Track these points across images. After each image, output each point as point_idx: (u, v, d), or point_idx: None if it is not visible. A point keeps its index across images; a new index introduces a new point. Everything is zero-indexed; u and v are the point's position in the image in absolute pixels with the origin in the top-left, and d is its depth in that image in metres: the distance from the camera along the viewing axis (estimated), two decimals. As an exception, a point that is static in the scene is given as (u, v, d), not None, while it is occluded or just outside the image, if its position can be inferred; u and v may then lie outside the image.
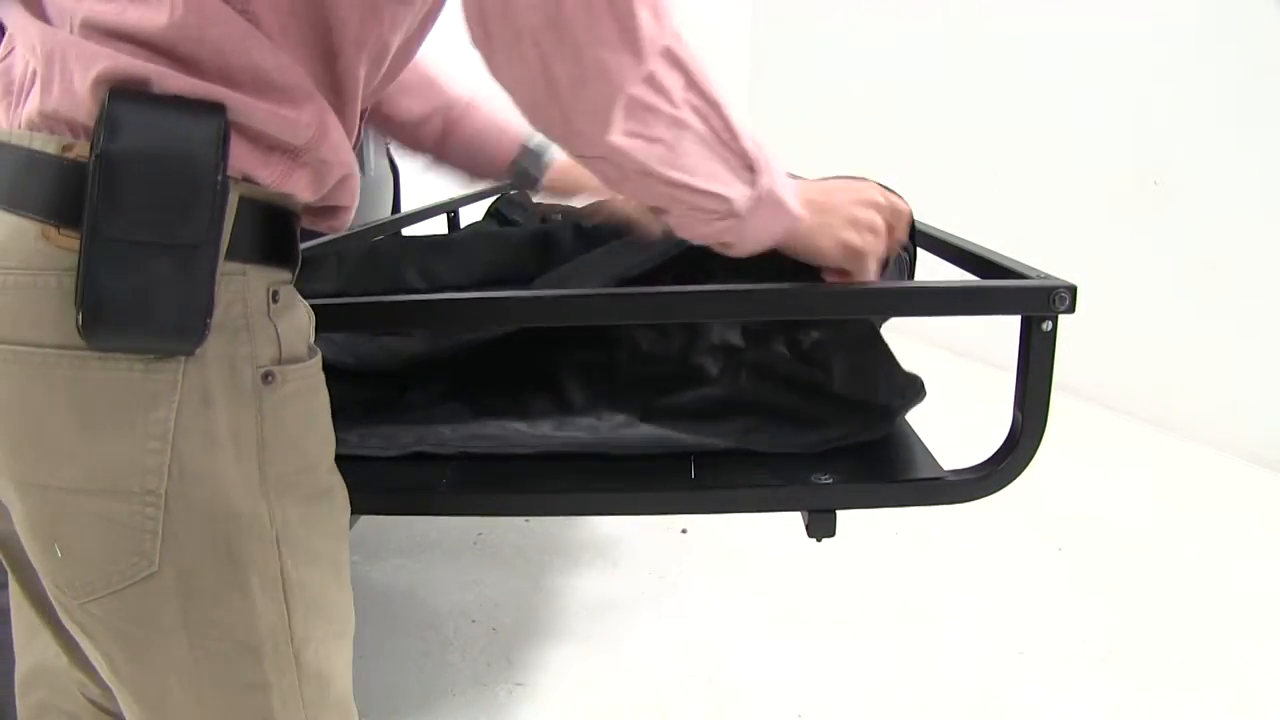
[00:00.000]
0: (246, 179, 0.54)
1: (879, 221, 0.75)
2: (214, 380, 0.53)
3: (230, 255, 0.53)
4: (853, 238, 0.73)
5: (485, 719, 1.49)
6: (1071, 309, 0.75)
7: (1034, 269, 0.81)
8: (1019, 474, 0.83)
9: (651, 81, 0.55)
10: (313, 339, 0.63)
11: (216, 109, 0.50)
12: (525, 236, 1.21)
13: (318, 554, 0.61)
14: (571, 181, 1.05)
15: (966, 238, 1.02)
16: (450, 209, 1.91)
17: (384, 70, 0.64)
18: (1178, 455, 2.57)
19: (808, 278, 0.81)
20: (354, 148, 0.64)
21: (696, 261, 1.05)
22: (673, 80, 0.56)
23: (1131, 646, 1.66)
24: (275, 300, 0.57)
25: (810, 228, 0.71)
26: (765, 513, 0.93)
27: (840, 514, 0.87)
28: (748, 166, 0.62)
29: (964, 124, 3.44)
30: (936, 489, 0.85)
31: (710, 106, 0.59)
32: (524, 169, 1.02)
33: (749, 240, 0.68)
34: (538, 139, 1.00)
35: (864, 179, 0.80)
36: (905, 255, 0.97)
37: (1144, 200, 2.76)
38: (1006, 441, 0.82)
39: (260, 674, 0.58)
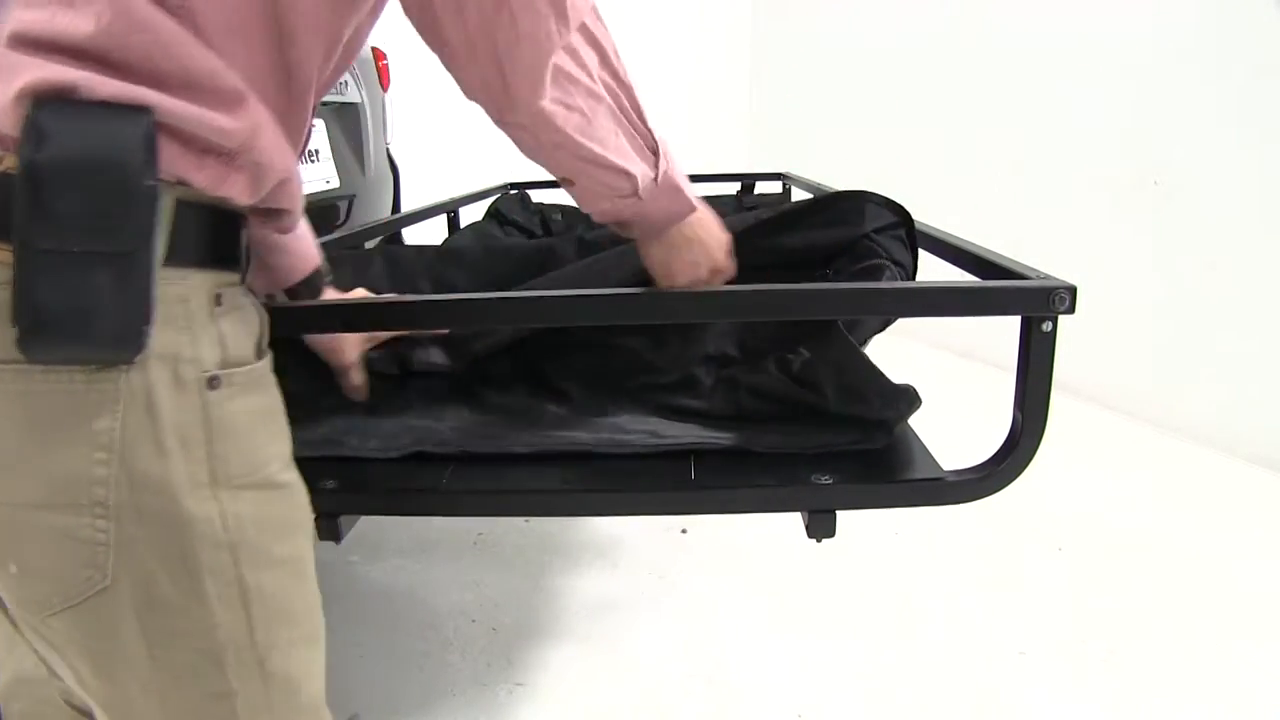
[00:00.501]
0: (181, 182, 0.53)
1: (716, 269, 0.82)
2: (157, 386, 0.53)
3: (170, 260, 0.53)
4: (703, 274, 0.80)
5: (485, 719, 1.49)
6: (1071, 309, 0.75)
7: (1034, 269, 0.82)
8: (1019, 474, 0.83)
9: (573, 53, 0.59)
10: (265, 339, 0.63)
11: (143, 112, 0.49)
12: (531, 249, 1.23)
13: (277, 558, 0.60)
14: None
15: (966, 238, 1.02)
16: (450, 209, 1.91)
17: (334, 62, 0.64)
18: (1178, 455, 2.57)
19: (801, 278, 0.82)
20: (304, 139, 0.65)
21: None
22: (589, 56, 0.60)
23: (1132, 646, 1.66)
24: (219, 303, 0.56)
25: (696, 226, 0.77)
26: (765, 513, 0.93)
27: (840, 514, 0.87)
28: (651, 149, 0.67)
29: (964, 124, 3.44)
30: (936, 489, 0.85)
31: (620, 86, 0.63)
32: (313, 282, 0.95)
33: (646, 221, 0.73)
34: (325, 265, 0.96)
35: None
36: (900, 269, 0.98)
37: (1144, 200, 2.76)
38: (1006, 441, 0.82)
39: (224, 682, 0.58)
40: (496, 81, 0.59)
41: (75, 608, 0.54)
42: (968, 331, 3.34)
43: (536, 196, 2.04)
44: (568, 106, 0.60)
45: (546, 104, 0.59)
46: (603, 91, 0.62)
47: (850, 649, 1.66)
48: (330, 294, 0.95)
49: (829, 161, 3.89)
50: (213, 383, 0.55)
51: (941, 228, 1.11)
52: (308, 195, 1.63)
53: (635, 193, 0.68)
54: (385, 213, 1.92)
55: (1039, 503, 2.16)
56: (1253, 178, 2.44)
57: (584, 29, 0.60)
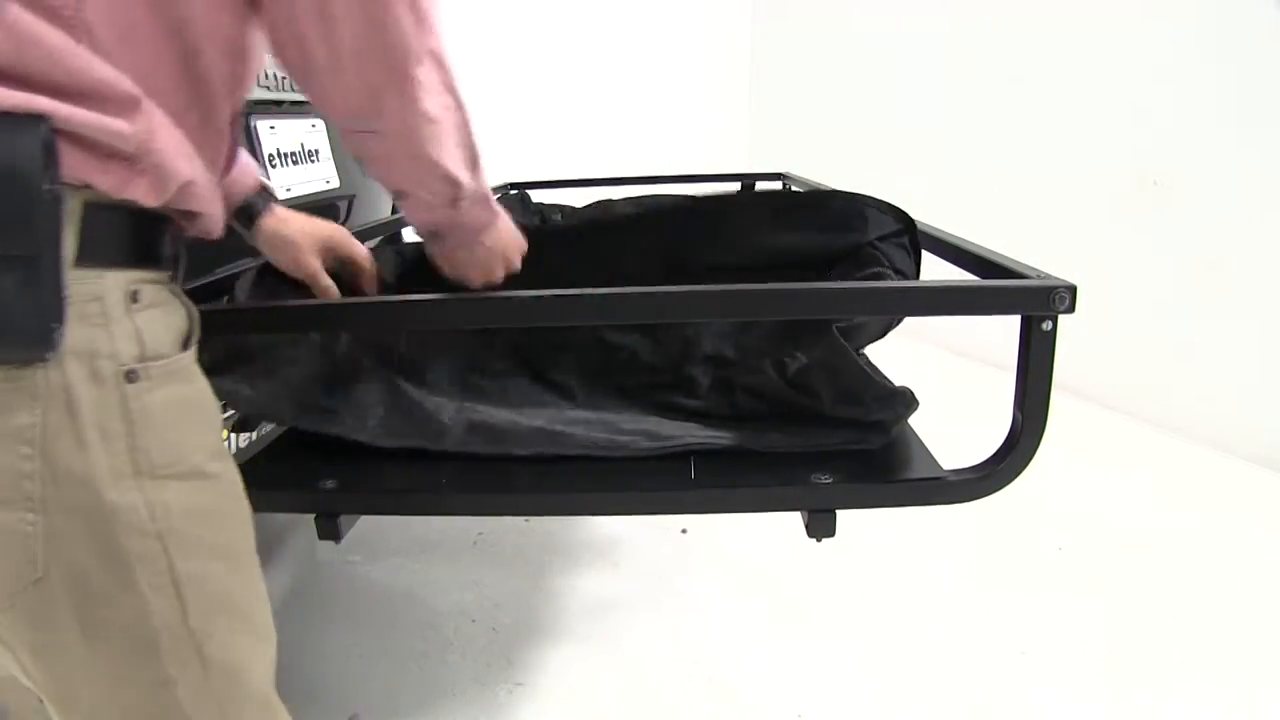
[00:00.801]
0: (88, 186, 0.55)
1: (516, 260, 0.90)
2: (75, 382, 0.54)
3: (82, 259, 0.55)
4: (502, 271, 0.89)
5: (485, 719, 1.49)
6: (1071, 309, 0.75)
7: (1034, 269, 0.82)
8: (1019, 474, 0.83)
9: (432, 66, 0.62)
10: (192, 334, 0.64)
11: (40, 120, 0.51)
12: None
13: (210, 546, 0.62)
14: (281, 238, 0.99)
15: (967, 238, 1.02)
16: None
17: (249, 65, 0.66)
18: (1178, 455, 2.57)
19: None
20: (229, 151, 0.69)
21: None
22: (442, 74, 0.64)
23: (1132, 646, 1.66)
24: (135, 300, 0.58)
25: (498, 234, 0.84)
26: (765, 513, 0.93)
27: (840, 514, 0.87)
28: (474, 162, 0.72)
29: (964, 124, 3.44)
30: (936, 489, 0.85)
31: (459, 104, 0.67)
32: (253, 204, 0.97)
33: (461, 230, 0.79)
34: (269, 189, 1.00)
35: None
36: (902, 277, 0.98)
37: (1144, 200, 2.76)
38: (1006, 441, 0.82)
39: (161, 670, 0.59)
40: (363, 94, 0.61)
41: (15, 601, 0.56)
42: (968, 331, 3.34)
43: (536, 196, 2.04)
44: (429, 119, 0.64)
45: (416, 114, 0.63)
46: (452, 106, 0.66)
47: (850, 649, 1.66)
48: (282, 221, 0.97)
49: (829, 161, 3.89)
50: (130, 376, 0.57)
51: (941, 227, 1.11)
52: (308, 195, 1.64)
53: (458, 202, 0.74)
54: (385, 213, 1.92)
55: (1039, 503, 2.16)
56: (1253, 178, 2.44)
57: (436, 49, 0.64)
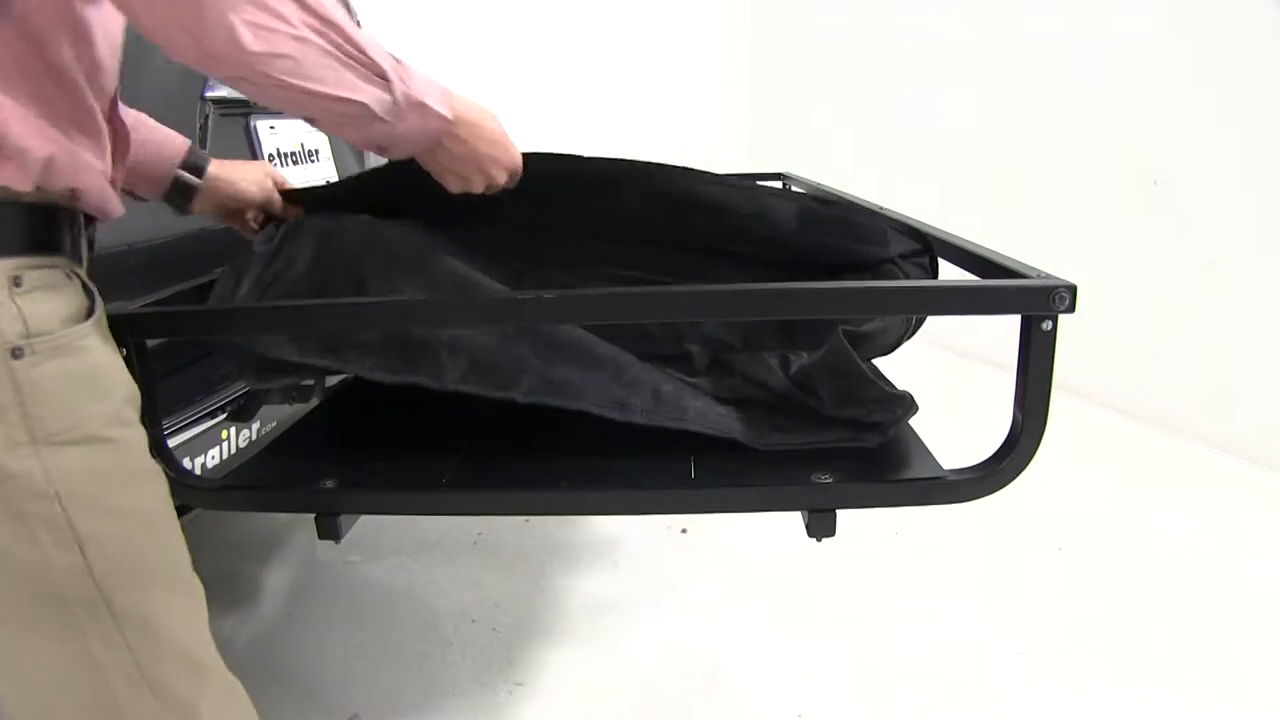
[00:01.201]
0: None
1: (501, 175, 0.89)
2: None
3: None
4: (480, 180, 0.87)
5: (485, 719, 1.49)
6: (1071, 309, 0.75)
7: (1034, 269, 0.82)
8: (1019, 474, 0.83)
9: (265, 8, 0.63)
10: (83, 311, 0.68)
11: None
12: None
13: (113, 507, 0.66)
14: (223, 198, 1.07)
15: (967, 238, 1.02)
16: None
17: (99, 48, 0.68)
18: (1178, 455, 2.57)
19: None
20: (119, 135, 0.73)
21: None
22: (286, 6, 0.64)
23: (1132, 646, 1.66)
24: (18, 285, 0.63)
25: (463, 140, 0.82)
26: (765, 513, 0.93)
27: (840, 514, 0.87)
28: (379, 74, 0.71)
29: (964, 124, 3.44)
30: (936, 489, 0.85)
31: (327, 25, 0.67)
32: (184, 184, 1.03)
33: (403, 142, 0.78)
34: (197, 153, 1.05)
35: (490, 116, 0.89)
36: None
37: (1144, 200, 2.76)
38: (1006, 441, 0.82)
39: (71, 619, 0.65)
40: (194, 47, 0.63)
41: None
42: (968, 331, 3.34)
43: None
44: (275, 55, 0.64)
45: (249, 55, 0.63)
46: (308, 35, 0.66)
47: (850, 649, 1.66)
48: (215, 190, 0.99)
49: (829, 161, 3.90)
50: (16, 353, 0.61)
51: (942, 227, 1.11)
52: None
53: (377, 117, 0.73)
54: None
55: (1039, 503, 2.16)
56: (1252, 178, 2.44)
57: None
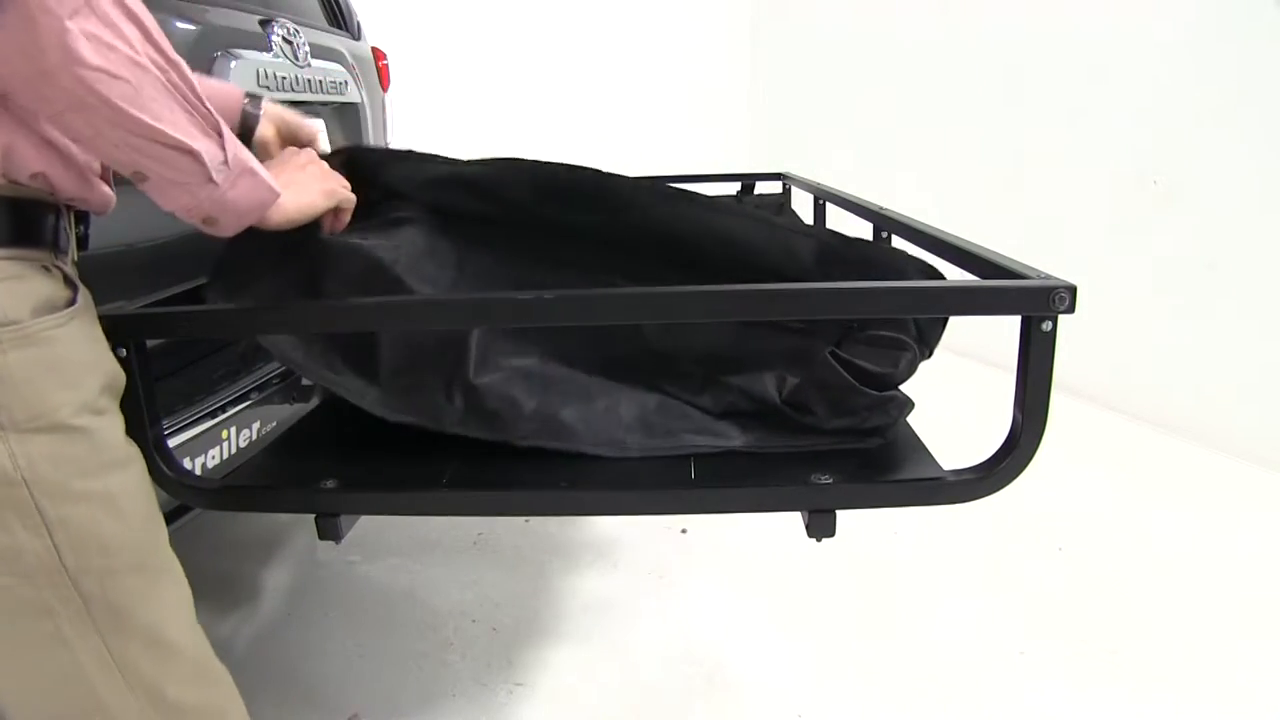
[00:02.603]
0: None
1: (339, 189, 0.90)
2: None
3: None
4: (326, 202, 0.87)
5: (485, 719, 1.49)
6: (1071, 309, 0.75)
7: (1034, 269, 0.81)
8: (1019, 474, 0.83)
9: (108, 24, 0.60)
10: (55, 301, 0.69)
11: None
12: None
13: (81, 492, 0.68)
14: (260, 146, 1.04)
15: (967, 238, 1.01)
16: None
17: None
18: (1178, 455, 2.58)
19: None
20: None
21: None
22: (129, 29, 0.61)
23: (1132, 646, 1.66)
24: None
25: (289, 202, 0.80)
26: (765, 513, 0.93)
27: (840, 514, 0.87)
28: (214, 128, 0.68)
29: (964, 124, 3.44)
30: (936, 489, 0.85)
31: (170, 64, 0.65)
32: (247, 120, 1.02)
33: (231, 214, 0.73)
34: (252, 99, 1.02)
35: (298, 151, 0.90)
36: (925, 350, 0.95)
37: (1144, 200, 2.76)
38: (1006, 441, 0.82)
39: (41, 599, 0.67)
40: (25, 62, 0.59)
41: None
42: (968, 331, 3.33)
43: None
44: (111, 75, 0.60)
45: (86, 67, 0.59)
46: (148, 64, 0.63)
47: (850, 649, 1.66)
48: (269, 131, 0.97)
49: (829, 161, 3.90)
50: None
51: (942, 228, 1.11)
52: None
53: (210, 178, 0.69)
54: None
55: (1039, 503, 2.16)
56: (1253, 178, 2.44)
57: (119, 3, 0.61)
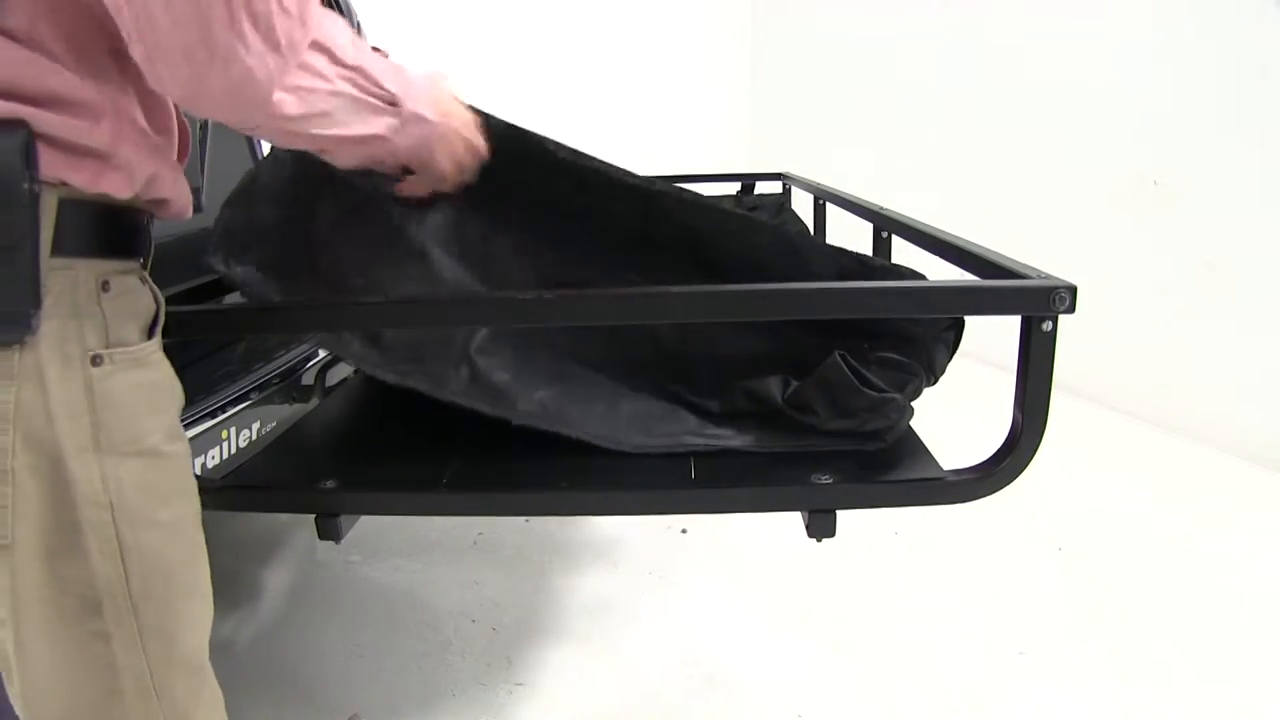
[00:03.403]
0: (63, 183, 0.60)
1: (478, 150, 0.89)
2: (47, 363, 0.60)
3: (57, 251, 0.60)
4: (465, 159, 0.88)
5: (485, 719, 1.49)
6: (1071, 309, 0.75)
7: (1034, 269, 0.81)
8: (1019, 474, 0.83)
9: (304, 68, 0.64)
10: (154, 323, 0.70)
11: (19, 125, 0.56)
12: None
13: (157, 520, 0.68)
14: None
15: (967, 238, 1.01)
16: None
17: None
18: (1178, 455, 2.57)
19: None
20: (182, 138, 0.74)
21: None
22: (318, 61, 0.65)
23: (1132, 646, 1.66)
24: (106, 290, 0.64)
25: (442, 134, 0.83)
26: (765, 513, 0.93)
27: (840, 514, 0.87)
28: (391, 103, 0.73)
29: (964, 124, 3.44)
30: (936, 489, 0.85)
31: (354, 71, 0.69)
32: None
33: (397, 155, 0.79)
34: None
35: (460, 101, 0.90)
36: (930, 378, 0.95)
37: (1144, 200, 2.76)
38: (1006, 441, 0.82)
39: (102, 624, 0.66)
40: (234, 116, 0.64)
41: None
42: (968, 331, 3.33)
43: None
44: (312, 114, 0.66)
45: (289, 119, 0.65)
46: (343, 86, 0.68)
47: (850, 649, 1.66)
48: None
49: (829, 161, 3.89)
50: (96, 360, 0.62)
51: (942, 227, 1.11)
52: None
53: (385, 141, 0.75)
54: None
55: (1039, 503, 2.16)
56: (1253, 178, 2.44)
57: (315, 44, 0.65)
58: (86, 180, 0.61)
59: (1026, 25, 3.12)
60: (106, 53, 0.62)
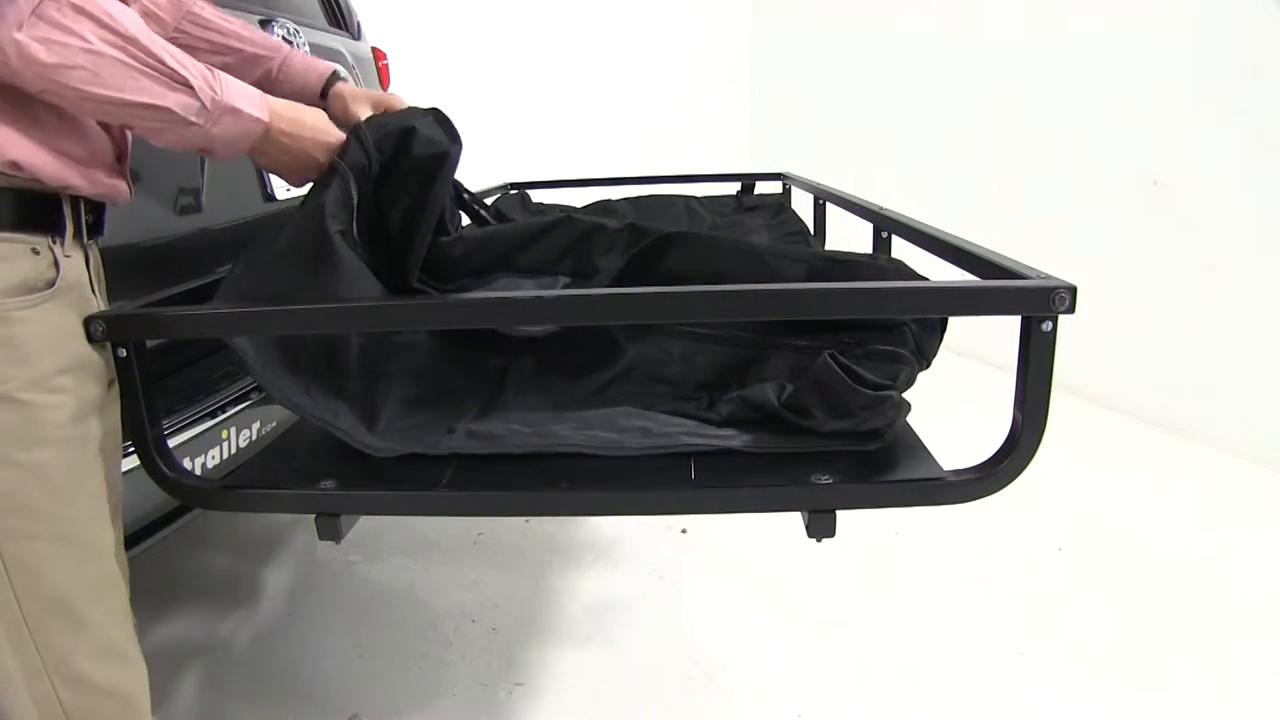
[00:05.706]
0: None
1: (321, 164, 0.96)
2: None
3: None
4: (314, 170, 0.95)
5: (485, 719, 1.49)
6: (1071, 309, 0.75)
7: (1033, 269, 0.81)
8: (1019, 474, 0.83)
9: (52, 23, 0.70)
10: (38, 286, 0.76)
11: None
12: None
13: (12, 460, 0.75)
14: (338, 94, 1.20)
15: (967, 238, 1.01)
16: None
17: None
18: (1178, 455, 2.58)
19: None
20: (117, 135, 0.85)
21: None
22: (81, 24, 0.72)
23: (1132, 646, 1.66)
24: None
25: (282, 135, 0.90)
26: (765, 513, 0.93)
27: (840, 514, 0.87)
28: (180, 82, 0.79)
29: (964, 124, 3.44)
30: (936, 489, 0.85)
31: (126, 39, 0.75)
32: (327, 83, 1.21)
33: (221, 143, 0.85)
34: (341, 70, 1.23)
35: (320, 113, 0.97)
36: (923, 361, 0.96)
37: (1144, 200, 2.76)
38: (1006, 441, 0.82)
39: None
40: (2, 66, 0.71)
41: None
42: (968, 332, 3.33)
43: (536, 196, 2.03)
44: (69, 66, 0.72)
45: (44, 65, 0.71)
46: (104, 49, 0.73)
47: (850, 649, 1.66)
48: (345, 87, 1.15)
49: (829, 161, 3.89)
50: None
51: (941, 228, 1.11)
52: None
53: (189, 122, 0.80)
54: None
55: (1039, 503, 2.16)
56: (1253, 178, 2.44)
57: (74, 6, 0.71)
58: None
59: (1026, 25, 3.12)
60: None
